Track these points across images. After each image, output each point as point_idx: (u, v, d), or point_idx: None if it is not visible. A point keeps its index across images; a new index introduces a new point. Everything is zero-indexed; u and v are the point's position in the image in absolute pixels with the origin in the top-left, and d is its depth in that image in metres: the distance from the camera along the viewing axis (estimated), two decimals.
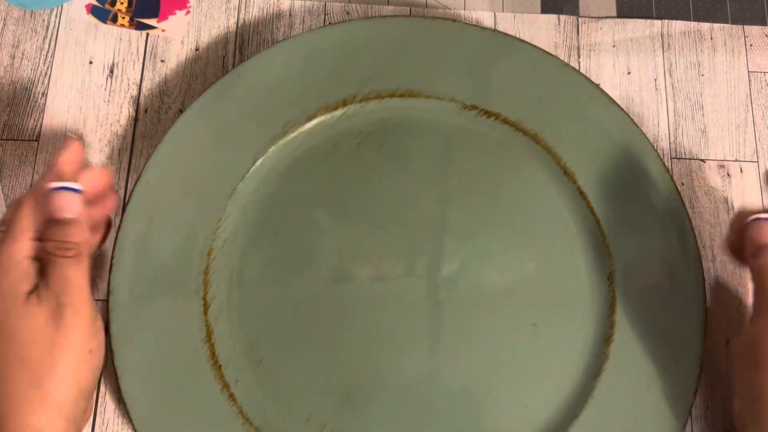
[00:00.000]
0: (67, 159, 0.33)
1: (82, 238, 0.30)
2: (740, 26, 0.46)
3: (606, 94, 0.41)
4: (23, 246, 0.30)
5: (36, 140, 0.42)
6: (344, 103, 0.41)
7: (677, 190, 0.39)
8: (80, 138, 0.34)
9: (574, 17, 0.46)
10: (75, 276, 0.30)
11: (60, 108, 0.42)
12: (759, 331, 0.33)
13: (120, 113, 0.43)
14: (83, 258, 0.30)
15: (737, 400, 0.34)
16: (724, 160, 0.44)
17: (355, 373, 0.37)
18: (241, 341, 0.37)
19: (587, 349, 0.38)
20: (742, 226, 0.35)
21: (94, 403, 0.36)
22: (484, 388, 0.37)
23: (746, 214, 0.35)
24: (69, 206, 0.30)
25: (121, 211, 0.40)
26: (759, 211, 0.35)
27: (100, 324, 0.31)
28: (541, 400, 0.37)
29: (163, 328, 0.37)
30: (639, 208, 0.39)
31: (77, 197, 0.30)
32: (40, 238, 0.30)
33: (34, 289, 0.30)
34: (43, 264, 0.30)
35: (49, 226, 0.30)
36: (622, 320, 0.38)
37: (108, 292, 0.37)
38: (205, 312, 0.37)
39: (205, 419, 0.36)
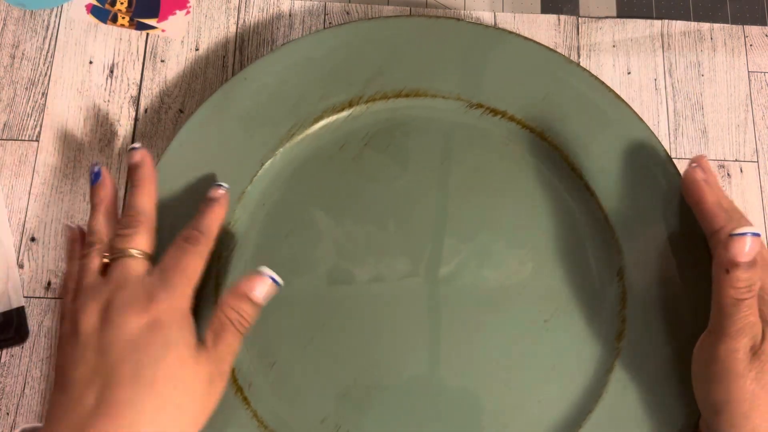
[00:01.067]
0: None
1: (254, 321, 0.34)
2: (740, 26, 0.46)
3: (611, 90, 0.40)
4: (191, 295, 0.33)
5: (36, 140, 0.42)
6: (350, 104, 0.41)
7: None
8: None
9: (574, 17, 0.46)
10: (235, 350, 0.33)
11: (60, 108, 0.42)
12: (716, 347, 0.32)
13: (120, 113, 0.43)
14: (244, 336, 0.33)
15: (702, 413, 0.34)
16: (724, 160, 0.44)
17: (368, 373, 0.37)
18: (253, 344, 0.37)
19: (599, 344, 0.38)
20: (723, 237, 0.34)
21: None
22: (499, 386, 0.37)
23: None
24: (267, 296, 0.34)
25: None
26: (745, 225, 0.34)
27: None
28: (555, 397, 0.37)
29: None
30: (646, 202, 0.39)
31: (275, 291, 0.34)
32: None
33: (204, 346, 0.32)
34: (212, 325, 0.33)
35: (238, 296, 0.33)
36: (633, 315, 0.38)
37: None
38: None
39: (219, 423, 0.35)
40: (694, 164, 0.37)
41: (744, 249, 0.31)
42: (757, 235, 0.32)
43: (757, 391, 0.31)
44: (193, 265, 0.34)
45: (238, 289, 0.33)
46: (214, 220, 0.36)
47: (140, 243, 0.34)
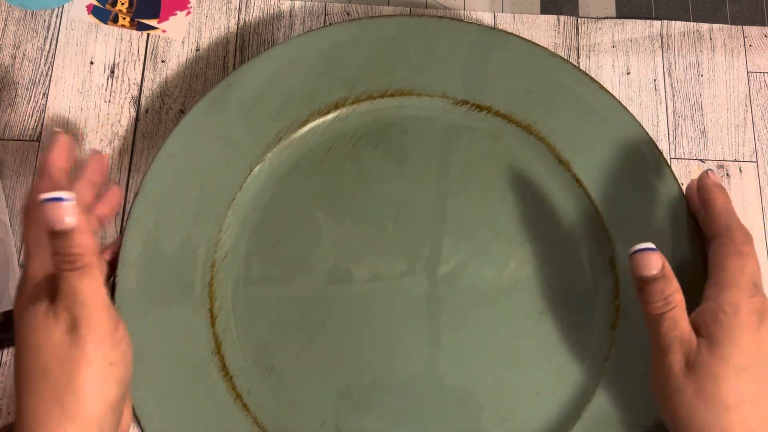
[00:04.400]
0: (56, 157, 0.33)
1: (87, 247, 0.28)
2: (739, 27, 0.46)
3: (594, 81, 0.40)
4: (37, 262, 0.30)
5: (37, 140, 0.42)
6: (336, 106, 0.41)
7: (672, 171, 0.39)
8: (67, 133, 0.34)
9: (574, 18, 0.46)
10: (85, 288, 0.29)
11: (61, 108, 0.43)
12: (655, 365, 0.33)
13: (121, 113, 0.43)
14: (92, 268, 0.29)
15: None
16: (724, 161, 0.44)
17: (367, 372, 0.37)
18: (250, 350, 0.37)
19: (594, 334, 0.38)
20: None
21: (132, 413, 0.35)
22: (497, 380, 0.38)
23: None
24: (63, 217, 0.28)
25: (121, 226, 0.40)
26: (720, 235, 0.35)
27: (122, 333, 0.30)
28: (552, 388, 0.37)
29: (171, 343, 0.37)
30: (635, 191, 0.39)
31: (71, 206, 0.28)
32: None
33: (51, 305, 0.29)
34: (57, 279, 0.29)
35: (51, 239, 0.28)
36: (627, 304, 0.38)
37: None
38: (213, 324, 0.37)
39: (219, 430, 0.36)
40: (708, 171, 0.37)
41: (644, 264, 0.32)
42: (653, 249, 0.32)
43: (697, 404, 0.31)
44: (28, 234, 0.31)
45: (36, 229, 0.31)
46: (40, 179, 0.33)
47: None
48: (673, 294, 0.32)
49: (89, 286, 0.29)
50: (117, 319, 0.30)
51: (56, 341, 0.29)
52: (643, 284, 0.32)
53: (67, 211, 0.28)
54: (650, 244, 0.32)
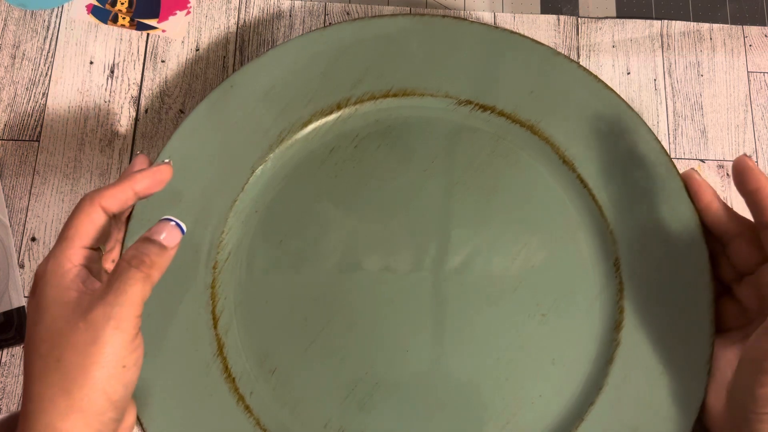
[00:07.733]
0: (146, 187, 0.34)
1: (161, 266, 0.31)
2: (740, 26, 0.46)
3: (599, 80, 0.40)
4: (74, 253, 0.31)
5: (36, 140, 0.42)
6: (338, 107, 0.41)
7: (677, 170, 0.39)
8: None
9: (574, 17, 0.46)
10: (137, 292, 0.30)
11: (61, 108, 0.43)
12: None
13: (120, 113, 0.43)
14: (149, 283, 0.30)
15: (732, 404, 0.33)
16: (724, 160, 0.44)
17: (369, 374, 0.37)
18: (253, 352, 0.37)
19: (598, 336, 0.38)
20: None
21: (135, 418, 0.35)
22: (500, 381, 0.38)
23: None
24: (171, 239, 0.32)
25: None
26: None
27: (139, 342, 0.31)
28: (556, 390, 0.37)
29: (173, 345, 0.37)
30: (639, 191, 0.39)
31: (179, 235, 0.32)
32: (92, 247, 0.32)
33: (85, 297, 0.30)
34: (112, 272, 0.31)
35: (141, 241, 0.31)
36: (631, 305, 0.38)
37: None
38: (215, 326, 0.37)
39: None
40: (743, 154, 0.36)
41: None
42: None
43: None
44: (75, 223, 0.32)
45: (140, 237, 0.32)
46: (113, 185, 0.34)
47: None
48: None
49: (140, 293, 0.30)
50: (139, 328, 0.31)
51: (79, 334, 0.29)
52: None
53: (176, 236, 0.32)
54: None
